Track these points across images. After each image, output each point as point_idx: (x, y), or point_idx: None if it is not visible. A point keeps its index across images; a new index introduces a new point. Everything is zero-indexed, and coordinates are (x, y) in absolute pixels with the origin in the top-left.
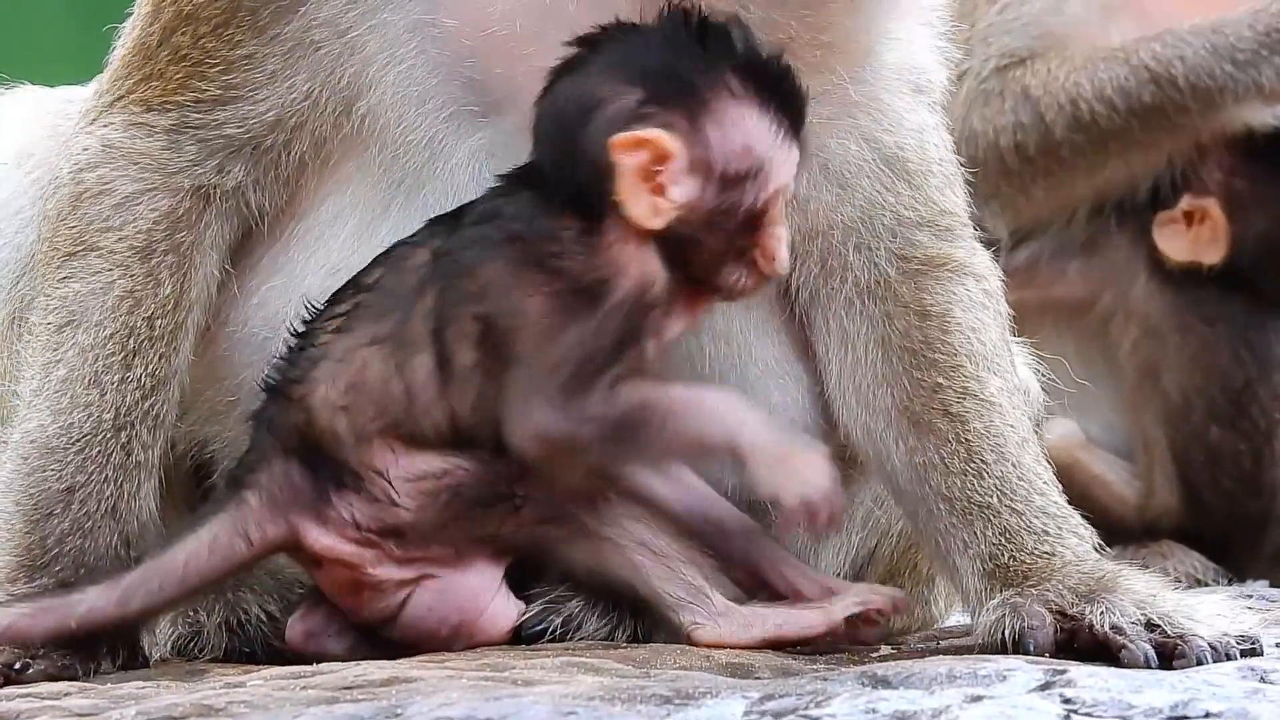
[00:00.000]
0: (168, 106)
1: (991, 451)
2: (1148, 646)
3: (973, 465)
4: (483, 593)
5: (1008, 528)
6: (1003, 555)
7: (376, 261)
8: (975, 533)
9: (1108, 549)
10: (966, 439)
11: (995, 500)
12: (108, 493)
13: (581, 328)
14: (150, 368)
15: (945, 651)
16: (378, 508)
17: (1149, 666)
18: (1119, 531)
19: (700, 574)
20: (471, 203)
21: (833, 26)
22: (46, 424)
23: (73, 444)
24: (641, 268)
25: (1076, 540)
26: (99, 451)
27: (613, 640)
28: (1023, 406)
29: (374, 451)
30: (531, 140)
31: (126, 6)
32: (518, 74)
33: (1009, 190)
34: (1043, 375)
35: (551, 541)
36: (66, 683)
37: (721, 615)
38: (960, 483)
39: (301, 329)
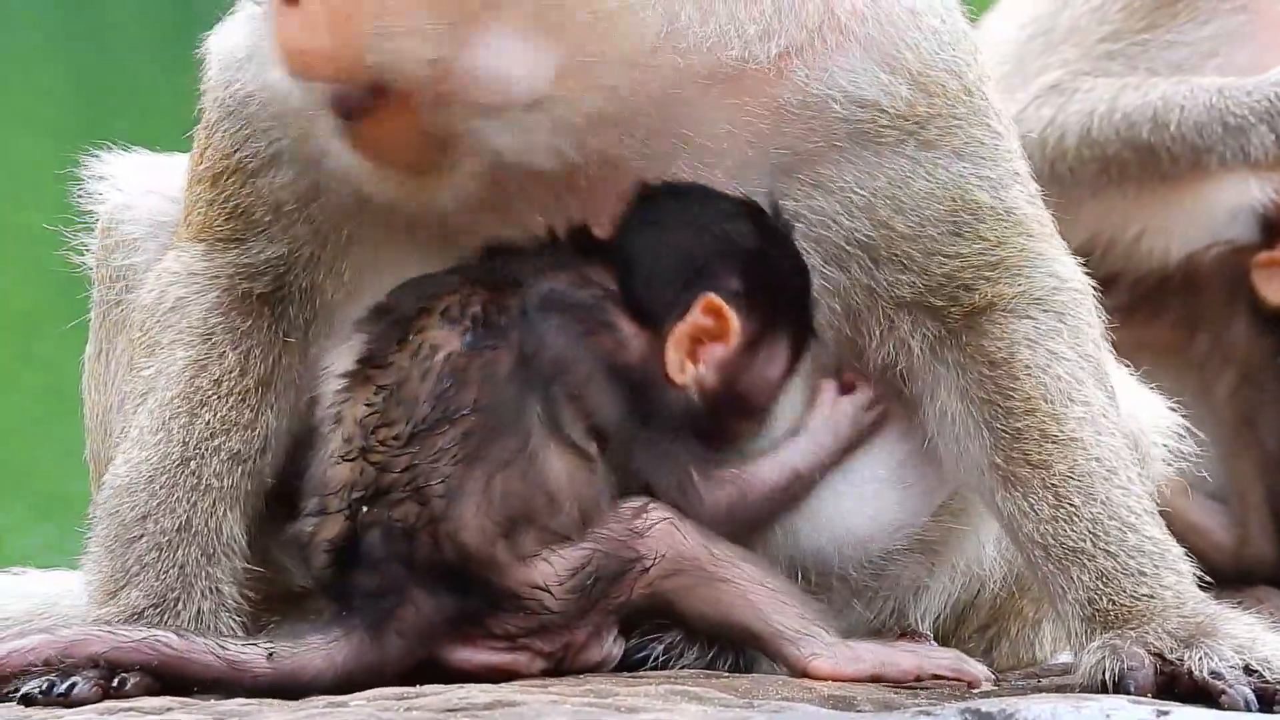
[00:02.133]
0: (198, 241)
1: (1079, 495)
2: (1247, 690)
3: (1062, 511)
4: (596, 646)
5: (1103, 571)
6: (1101, 600)
7: (448, 373)
8: (1072, 578)
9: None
10: (1052, 484)
11: (1089, 545)
12: (180, 511)
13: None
14: (220, 415)
15: (1047, 689)
16: (535, 618)
17: (1249, 710)
18: (1214, 577)
19: (809, 608)
20: (508, 264)
21: None
22: (121, 472)
23: (142, 478)
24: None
25: (1175, 578)
26: (167, 478)
27: (713, 669)
28: (1110, 425)
29: (535, 567)
30: (622, 232)
31: None
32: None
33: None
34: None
35: (676, 592)
36: (168, 698)
37: (832, 647)
38: (1052, 529)
39: (392, 458)
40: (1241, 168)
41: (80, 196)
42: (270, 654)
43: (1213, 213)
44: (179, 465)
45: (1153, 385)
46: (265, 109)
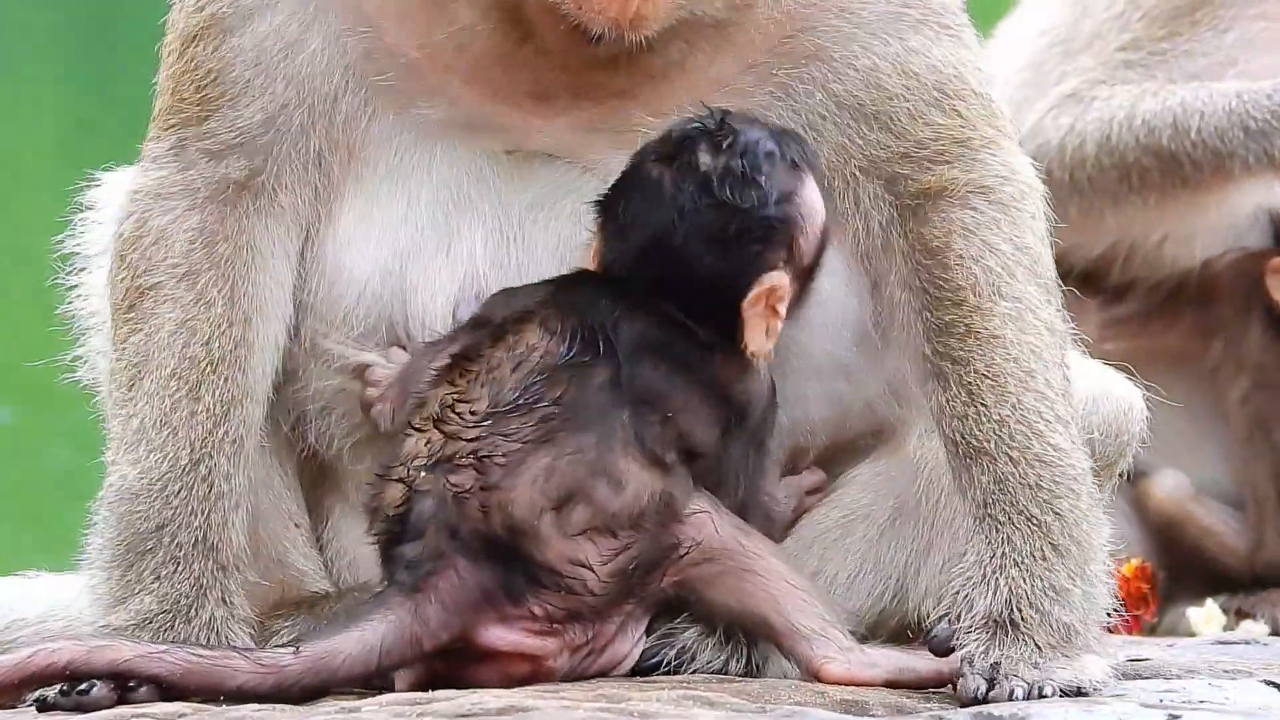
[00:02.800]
0: (167, 134)
1: (992, 394)
2: (982, 682)
3: (973, 409)
4: (623, 640)
5: (1001, 476)
6: (994, 507)
7: (538, 371)
8: (973, 477)
9: (1217, 596)
10: (968, 381)
11: (992, 446)
12: (196, 524)
13: (744, 442)
14: (218, 394)
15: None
16: (573, 599)
17: (976, 701)
18: (1229, 581)
19: (830, 610)
20: (581, 293)
21: None
22: (128, 474)
23: (154, 485)
24: (763, 384)
25: (1071, 503)
26: (181, 487)
27: (726, 673)
28: (1035, 323)
29: (580, 545)
30: (653, 253)
31: None
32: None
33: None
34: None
35: (704, 579)
36: (181, 704)
37: (848, 651)
38: (962, 426)
39: (464, 428)
40: (1266, 171)
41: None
42: (297, 649)
43: (1235, 216)
44: (189, 470)
45: (1167, 393)
46: None
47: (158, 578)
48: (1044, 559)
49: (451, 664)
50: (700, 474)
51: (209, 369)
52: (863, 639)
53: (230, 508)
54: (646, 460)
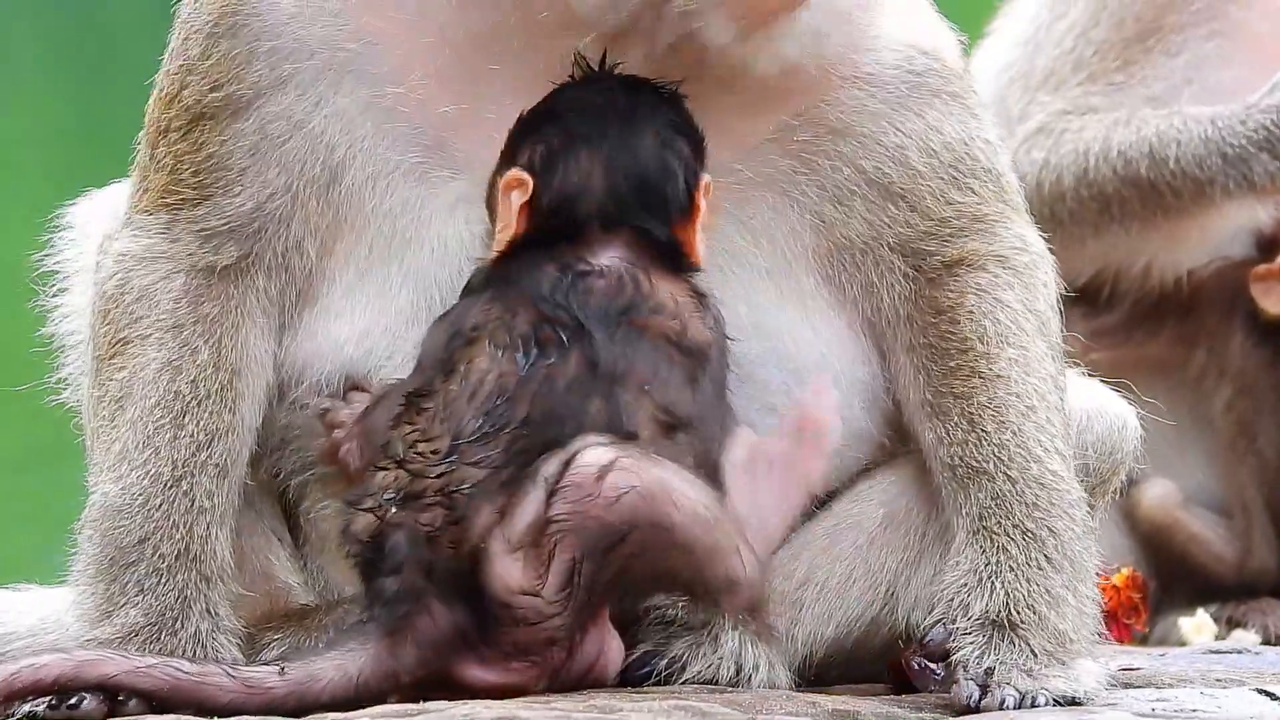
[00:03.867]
0: (159, 209)
1: (993, 422)
2: (975, 688)
3: (974, 435)
4: (604, 644)
5: (999, 493)
6: (989, 519)
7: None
8: (969, 495)
9: (1208, 605)
10: (970, 413)
11: (991, 466)
12: (178, 536)
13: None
14: (203, 423)
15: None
16: (535, 629)
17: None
18: (1218, 589)
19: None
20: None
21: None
22: (110, 490)
23: (135, 500)
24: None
25: (1066, 523)
26: (162, 501)
27: (715, 683)
28: (1041, 371)
29: (515, 571)
30: (612, 206)
31: None
32: (470, 133)
33: None
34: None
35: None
36: (171, 717)
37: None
38: (961, 451)
39: (428, 466)
40: (1246, 195)
41: (52, 252)
42: (282, 669)
43: (1218, 236)
44: (171, 486)
45: (1150, 401)
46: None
47: (141, 590)
48: (1039, 568)
49: (433, 692)
50: (685, 446)
51: (194, 403)
52: (851, 654)
53: (213, 522)
54: (618, 440)
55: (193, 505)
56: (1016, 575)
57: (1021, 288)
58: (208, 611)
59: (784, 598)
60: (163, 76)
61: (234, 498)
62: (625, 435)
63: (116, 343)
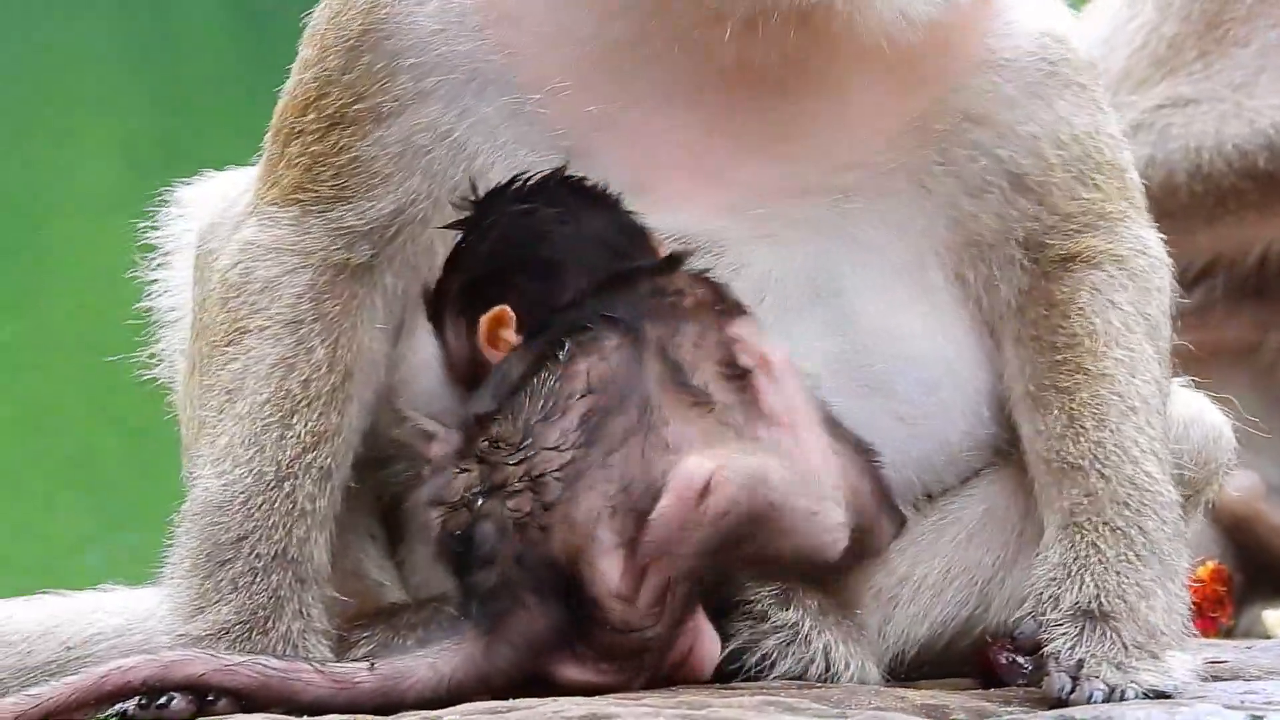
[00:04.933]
0: (290, 204)
1: (1092, 419)
2: (1067, 680)
3: (1071, 430)
4: (700, 641)
5: (1092, 490)
6: (1079, 515)
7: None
8: (1062, 490)
9: None
10: (1070, 408)
11: (1086, 463)
12: (277, 537)
13: None
14: (310, 425)
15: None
16: (629, 637)
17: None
18: None
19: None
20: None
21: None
22: (212, 486)
23: (236, 497)
24: None
25: (1156, 524)
26: (263, 501)
27: (804, 679)
28: (1146, 375)
29: (610, 575)
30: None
31: None
32: (611, 135)
33: None
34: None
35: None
36: (260, 715)
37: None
38: (1058, 445)
39: (507, 456)
40: None
41: (156, 226)
42: (371, 666)
43: None
44: (274, 486)
45: (1227, 387)
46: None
47: (235, 588)
48: (1129, 562)
49: (525, 689)
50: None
51: (304, 403)
52: (941, 654)
53: (312, 526)
54: (694, 400)
55: (294, 508)
56: (1106, 568)
57: (1136, 290)
58: (301, 612)
59: (880, 594)
60: (295, 85)
61: (335, 501)
62: (694, 392)
63: (234, 332)
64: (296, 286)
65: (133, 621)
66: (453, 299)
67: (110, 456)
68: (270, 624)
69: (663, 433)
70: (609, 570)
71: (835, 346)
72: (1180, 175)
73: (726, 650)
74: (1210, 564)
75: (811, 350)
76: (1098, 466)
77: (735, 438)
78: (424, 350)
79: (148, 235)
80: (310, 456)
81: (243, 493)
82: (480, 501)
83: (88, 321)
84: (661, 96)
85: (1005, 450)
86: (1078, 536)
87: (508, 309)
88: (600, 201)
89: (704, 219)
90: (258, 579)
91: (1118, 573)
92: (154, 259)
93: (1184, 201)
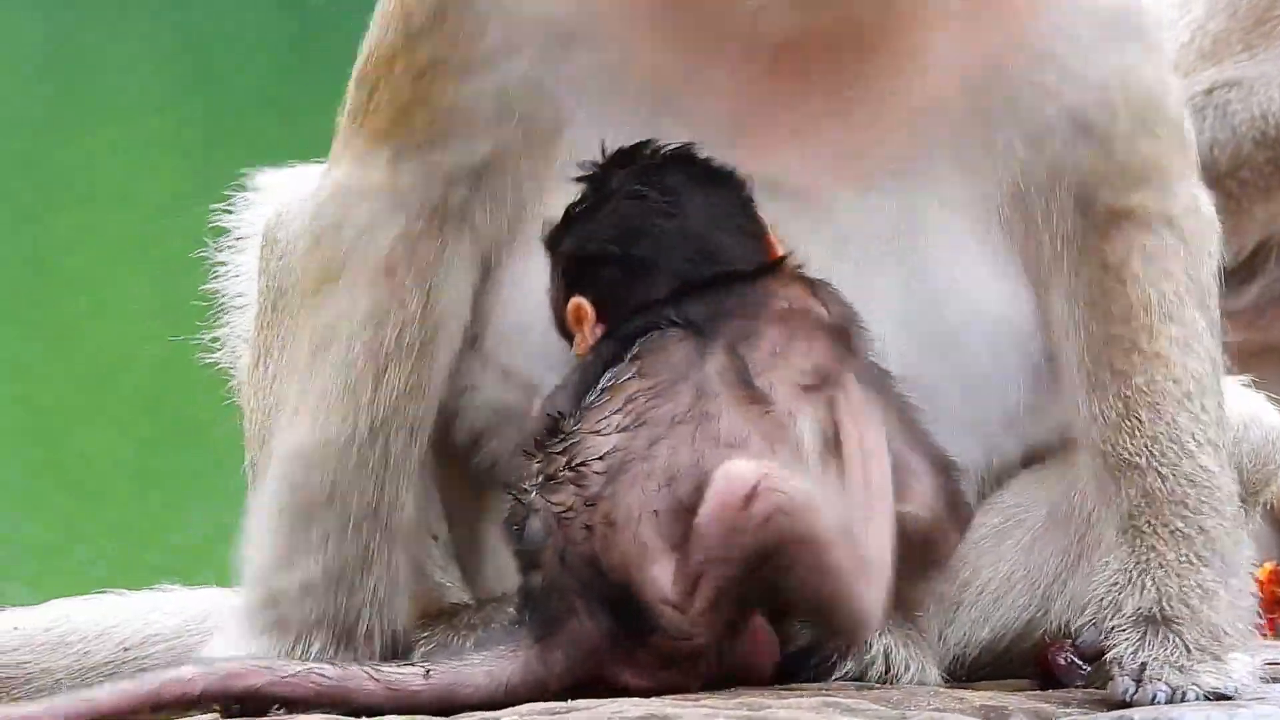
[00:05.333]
0: (379, 144)
1: (1147, 409)
2: (1131, 683)
3: (1127, 422)
4: (758, 643)
5: (1150, 491)
6: (1139, 518)
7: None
8: (1120, 489)
9: None
10: (1125, 395)
11: (1143, 460)
12: (369, 494)
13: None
14: (402, 382)
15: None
16: (682, 643)
17: (1122, 699)
18: None
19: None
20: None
21: None
22: (304, 437)
23: (330, 448)
24: None
25: (1216, 521)
26: (357, 453)
27: (864, 681)
28: (1200, 351)
29: (660, 578)
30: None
31: None
32: (698, 89)
33: None
34: None
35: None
36: (320, 714)
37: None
38: (1114, 438)
39: (558, 439)
40: None
41: (228, 212)
42: (427, 672)
43: None
44: (368, 441)
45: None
46: None
47: (325, 542)
48: (1190, 563)
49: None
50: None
51: (397, 355)
52: (1001, 656)
53: (404, 483)
54: (753, 399)
55: (388, 462)
56: (1167, 572)
57: (1188, 255)
58: (388, 572)
59: (942, 598)
60: (376, 43)
61: (421, 457)
62: (756, 392)
63: (327, 278)
64: (393, 230)
65: (190, 623)
66: (557, 259)
67: (170, 451)
68: (357, 582)
69: (714, 426)
70: (660, 577)
71: (907, 302)
72: (1247, 145)
73: (787, 652)
74: (1268, 565)
75: (889, 303)
76: (1155, 464)
77: (794, 455)
78: (514, 289)
79: (219, 219)
80: (400, 417)
81: (335, 444)
82: (533, 494)
83: (157, 304)
84: (742, 52)
85: (1061, 423)
86: (1137, 541)
87: (585, 304)
88: (721, 186)
89: (790, 171)
90: (349, 534)
91: (1179, 575)
92: (225, 243)
93: (1244, 176)
